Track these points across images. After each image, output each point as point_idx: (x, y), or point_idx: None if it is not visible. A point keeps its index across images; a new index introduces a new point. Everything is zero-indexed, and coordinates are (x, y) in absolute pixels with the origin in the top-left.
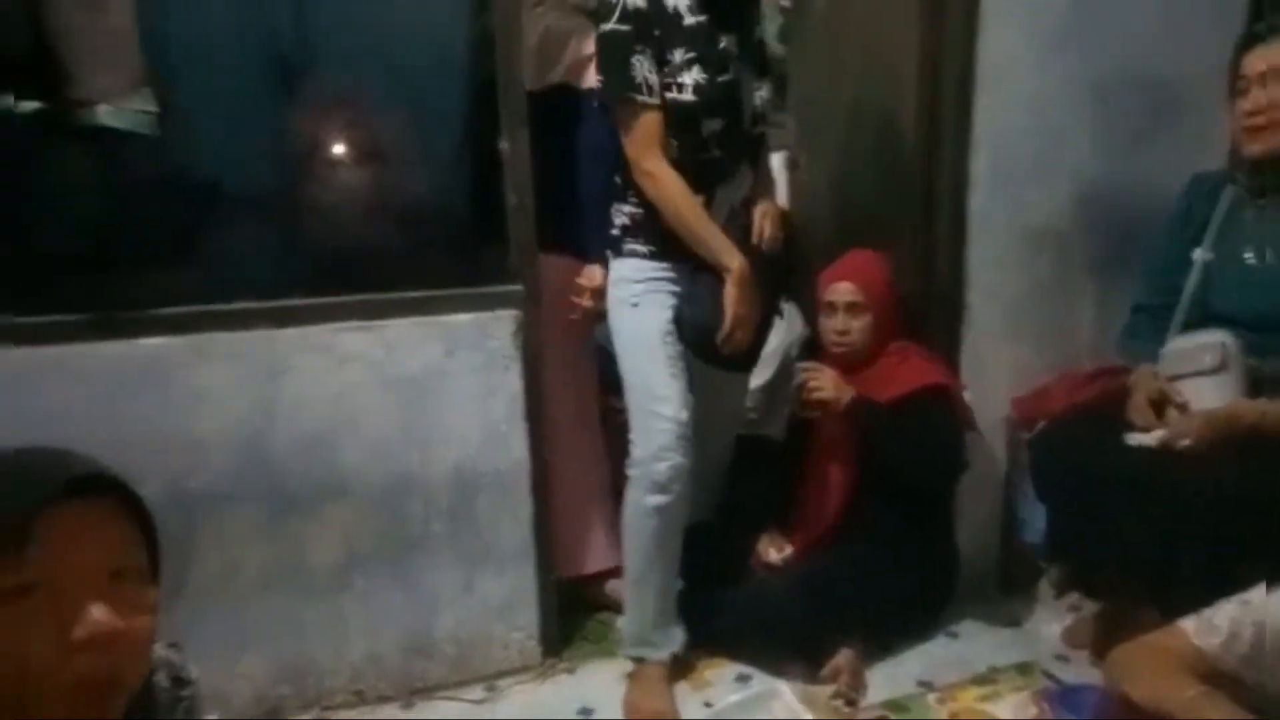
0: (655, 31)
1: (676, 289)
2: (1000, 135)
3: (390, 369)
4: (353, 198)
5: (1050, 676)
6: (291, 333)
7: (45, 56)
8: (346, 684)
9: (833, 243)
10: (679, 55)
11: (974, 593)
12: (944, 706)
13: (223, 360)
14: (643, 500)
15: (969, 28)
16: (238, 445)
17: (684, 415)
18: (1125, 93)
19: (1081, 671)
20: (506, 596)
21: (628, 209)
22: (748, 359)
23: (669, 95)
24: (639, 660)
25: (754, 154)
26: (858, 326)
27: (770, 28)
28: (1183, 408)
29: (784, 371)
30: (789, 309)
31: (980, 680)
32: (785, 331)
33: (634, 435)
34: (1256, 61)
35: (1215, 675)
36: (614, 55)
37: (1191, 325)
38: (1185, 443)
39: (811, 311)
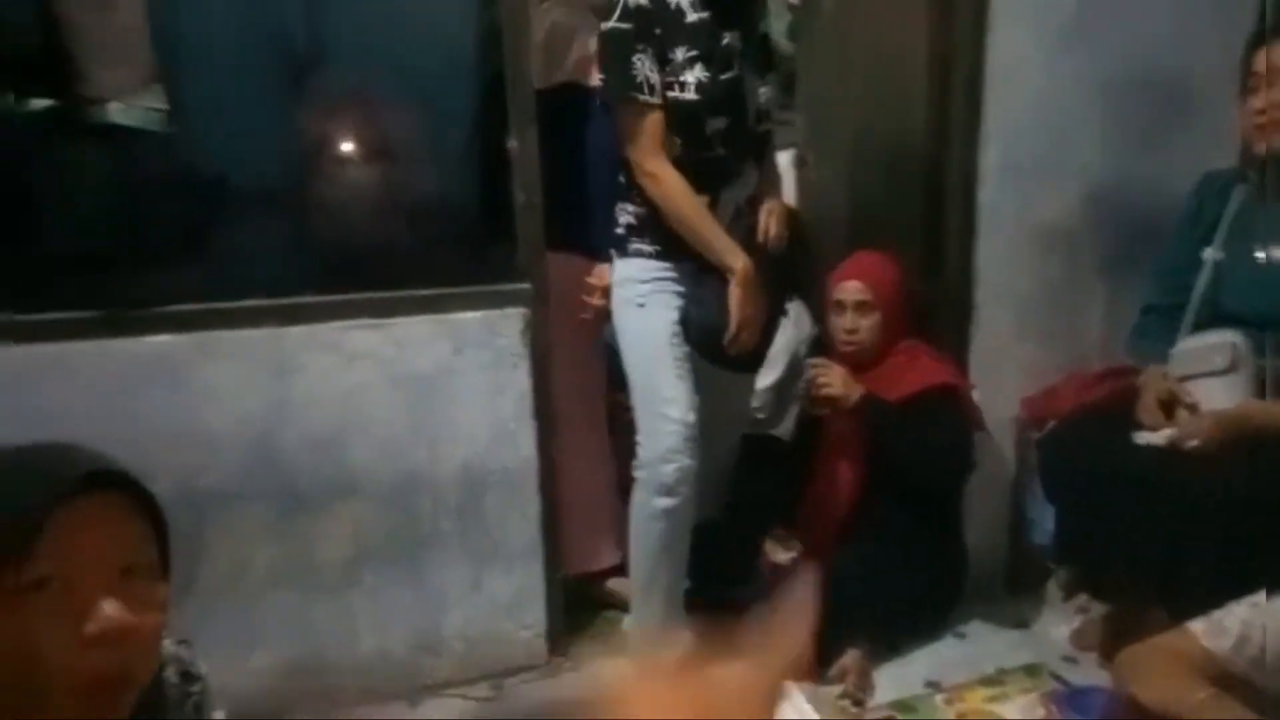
0: (657, 29)
1: (682, 289)
2: (1009, 134)
3: (399, 367)
4: (361, 195)
5: (1058, 678)
6: (300, 330)
7: (56, 54)
8: (355, 680)
9: (841, 241)
10: (681, 53)
11: (982, 593)
12: (951, 707)
13: (231, 358)
14: (650, 502)
15: (978, 26)
16: (247, 443)
17: (691, 417)
18: (1135, 91)
19: (1089, 673)
20: (514, 594)
21: (632, 208)
22: (754, 359)
23: (671, 94)
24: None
25: (759, 152)
26: (866, 325)
27: (778, 25)
28: (1193, 408)
29: (792, 371)
30: (795, 308)
31: (988, 681)
32: (792, 331)
33: (641, 437)
34: (1266, 59)
35: (1225, 678)
36: (615, 54)
37: (1202, 325)
38: (1194, 443)
39: (820, 310)
